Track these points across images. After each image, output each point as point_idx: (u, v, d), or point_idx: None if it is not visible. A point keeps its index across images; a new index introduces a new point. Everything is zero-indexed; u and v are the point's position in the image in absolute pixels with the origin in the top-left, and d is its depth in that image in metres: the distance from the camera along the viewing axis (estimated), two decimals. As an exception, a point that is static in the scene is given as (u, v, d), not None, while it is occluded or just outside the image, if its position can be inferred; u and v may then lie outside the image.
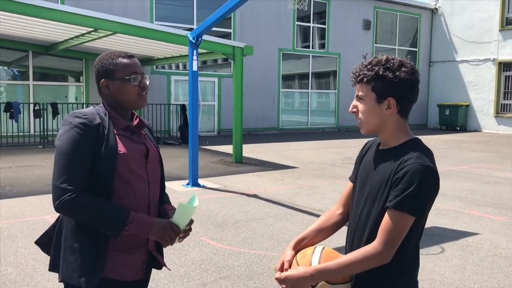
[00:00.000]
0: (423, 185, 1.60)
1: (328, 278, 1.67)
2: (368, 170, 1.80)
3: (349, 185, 1.96)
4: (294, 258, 1.80)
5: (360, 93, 1.75)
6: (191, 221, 1.97)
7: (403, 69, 1.68)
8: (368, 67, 1.72)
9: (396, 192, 1.61)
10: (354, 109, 1.79)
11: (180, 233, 1.93)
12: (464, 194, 7.66)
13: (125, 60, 1.95)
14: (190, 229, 1.97)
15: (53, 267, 1.95)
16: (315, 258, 1.73)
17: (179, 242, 1.97)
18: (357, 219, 1.79)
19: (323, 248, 1.79)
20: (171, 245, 1.93)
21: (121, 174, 1.86)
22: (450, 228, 5.76)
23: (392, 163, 1.69)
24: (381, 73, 1.69)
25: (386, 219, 1.63)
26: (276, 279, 1.72)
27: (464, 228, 5.77)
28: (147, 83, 2.00)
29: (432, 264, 4.53)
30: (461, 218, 6.25)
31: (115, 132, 1.90)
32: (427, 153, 1.68)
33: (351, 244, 1.82)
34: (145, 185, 1.95)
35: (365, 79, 1.72)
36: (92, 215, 1.79)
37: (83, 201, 1.77)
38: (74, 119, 1.84)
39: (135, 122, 2.05)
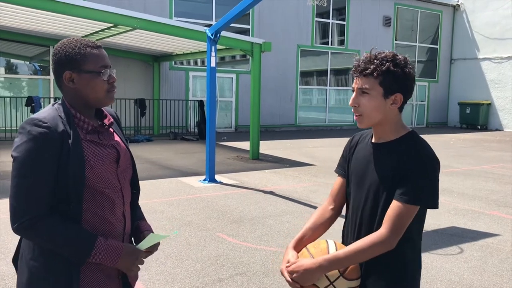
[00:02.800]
0: (432, 176, 1.68)
1: (337, 267, 1.71)
2: (366, 165, 1.81)
3: (338, 179, 1.98)
4: (306, 251, 1.82)
5: (366, 86, 1.73)
6: (156, 246, 1.80)
7: (408, 65, 1.73)
8: (377, 61, 1.71)
9: (407, 185, 1.66)
10: (355, 104, 1.77)
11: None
12: (484, 194, 7.54)
13: (94, 51, 1.68)
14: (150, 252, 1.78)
15: None
16: (331, 249, 1.77)
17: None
18: (361, 212, 1.81)
19: (333, 241, 1.83)
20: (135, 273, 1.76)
21: (92, 185, 1.64)
22: (469, 228, 5.67)
23: (396, 157, 1.72)
24: (392, 68, 1.70)
25: (394, 208, 1.67)
26: (288, 271, 1.75)
27: (484, 229, 5.68)
28: (115, 76, 1.75)
29: (450, 264, 4.47)
30: (481, 218, 6.15)
31: (81, 138, 1.65)
32: (427, 144, 1.75)
33: (357, 235, 1.83)
34: (118, 193, 1.74)
35: (375, 73, 1.71)
36: (53, 241, 1.59)
37: (44, 224, 1.56)
38: (33, 127, 1.57)
39: (105, 121, 1.79)
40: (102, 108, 1.81)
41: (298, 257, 1.82)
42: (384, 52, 1.74)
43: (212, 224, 5.62)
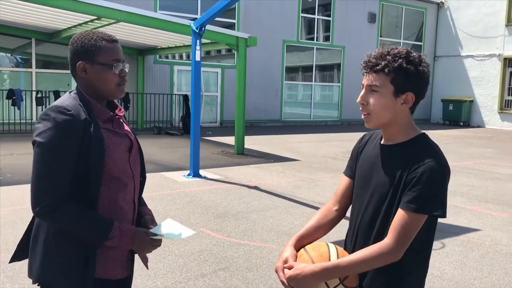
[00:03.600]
0: (441, 184, 1.58)
1: (337, 276, 1.63)
2: (372, 167, 1.72)
3: (344, 179, 1.89)
4: (306, 253, 1.72)
5: (375, 83, 1.63)
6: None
7: (423, 64, 1.63)
8: (389, 57, 1.61)
9: (415, 193, 1.55)
10: (364, 102, 1.67)
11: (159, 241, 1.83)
12: (466, 190, 7.63)
13: (109, 44, 1.76)
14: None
15: (31, 274, 1.78)
16: (333, 254, 1.68)
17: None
18: (361, 217, 1.74)
19: (335, 246, 1.74)
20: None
21: (109, 171, 1.72)
22: (451, 223, 5.74)
23: (403, 160, 1.62)
24: (405, 65, 1.60)
25: (400, 218, 1.57)
26: (286, 277, 1.65)
27: (465, 224, 5.75)
28: (127, 71, 1.83)
29: (432, 259, 4.49)
30: (463, 214, 6.22)
31: (100, 127, 1.73)
32: (438, 149, 1.64)
33: (355, 241, 1.77)
34: (130, 180, 1.83)
35: (386, 69, 1.60)
36: (73, 225, 1.65)
37: (64, 210, 1.63)
38: (57, 115, 1.63)
39: (117, 111, 1.87)
40: (119, 105, 1.91)
41: (296, 258, 1.73)
42: (397, 48, 1.64)
43: (196, 219, 5.59)
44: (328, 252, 1.69)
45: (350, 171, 1.86)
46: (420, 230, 1.60)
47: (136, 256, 1.94)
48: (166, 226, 1.86)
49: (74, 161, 1.64)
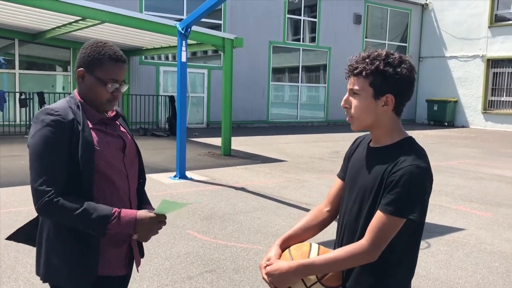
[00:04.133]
0: (420, 188, 1.58)
1: (313, 273, 1.65)
2: (359, 169, 1.74)
3: (337, 182, 1.90)
4: (288, 253, 1.75)
5: (355, 87, 1.65)
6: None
7: (403, 65, 1.62)
8: (367, 60, 1.62)
9: (393, 196, 1.56)
10: (347, 105, 1.70)
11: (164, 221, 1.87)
12: (450, 190, 7.71)
13: (112, 63, 1.84)
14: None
15: (38, 272, 1.87)
16: (313, 254, 1.70)
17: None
18: (347, 218, 1.75)
19: (318, 245, 1.76)
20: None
21: (101, 170, 1.80)
22: (436, 223, 5.78)
23: (385, 163, 1.62)
24: (381, 68, 1.60)
25: (378, 219, 1.58)
26: (266, 272, 1.69)
27: (450, 224, 5.80)
28: (123, 91, 1.91)
29: (418, 259, 4.53)
30: (448, 213, 6.28)
31: (90, 127, 1.82)
32: (422, 154, 1.64)
33: (341, 242, 1.78)
34: (124, 180, 1.90)
35: (363, 73, 1.62)
36: (72, 216, 1.72)
37: (63, 202, 1.71)
38: (46, 116, 1.75)
39: (110, 114, 1.97)
40: (116, 108, 2.00)
41: (280, 257, 1.76)
42: (378, 51, 1.65)
43: (182, 221, 5.56)
44: (308, 251, 1.72)
45: (343, 174, 1.88)
46: (402, 233, 1.60)
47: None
48: (165, 206, 1.84)
49: (66, 157, 1.74)
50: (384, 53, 1.63)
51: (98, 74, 1.83)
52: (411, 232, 1.65)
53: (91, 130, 1.81)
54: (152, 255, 4.43)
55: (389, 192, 1.58)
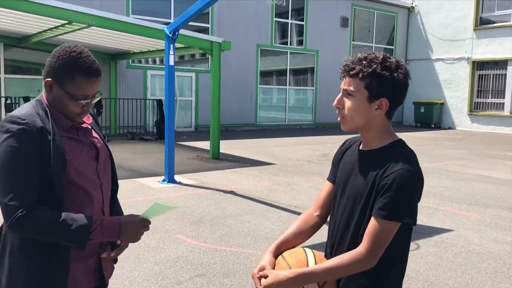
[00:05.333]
0: (412, 191, 1.58)
1: (312, 282, 1.63)
2: (349, 172, 1.73)
3: (327, 185, 1.89)
4: (283, 260, 1.71)
5: (350, 88, 1.64)
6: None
7: (400, 70, 1.62)
8: (365, 62, 1.61)
9: (385, 200, 1.56)
10: (339, 105, 1.68)
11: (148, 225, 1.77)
12: (438, 191, 7.76)
13: (85, 79, 1.67)
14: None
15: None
16: (311, 261, 1.68)
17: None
18: (338, 222, 1.74)
19: (312, 250, 1.74)
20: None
21: (73, 181, 1.67)
22: (425, 224, 5.82)
23: (376, 167, 1.62)
24: (378, 71, 1.59)
25: (373, 225, 1.58)
26: (263, 284, 1.62)
27: (438, 225, 5.84)
28: (93, 103, 1.75)
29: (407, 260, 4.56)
30: (436, 214, 6.32)
31: (60, 135, 1.67)
32: (412, 157, 1.64)
33: (333, 247, 1.77)
34: (98, 189, 1.78)
35: (360, 74, 1.61)
36: (50, 229, 1.60)
37: (38, 215, 1.58)
38: (11, 125, 1.59)
39: (85, 119, 1.83)
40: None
41: (274, 265, 1.72)
42: (375, 53, 1.64)
43: (171, 225, 5.53)
44: (306, 259, 1.68)
45: (332, 177, 1.86)
46: (395, 236, 1.60)
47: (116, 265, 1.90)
48: (153, 209, 1.77)
49: (36, 169, 1.60)
50: (382, 56, 1.63)
51: (68, 89, 1.67)
52: (403, 235, 1.65)
53: (62, 139, 1.67)
54: (141, 260, 4.39)
55: (381, 196, 1.57)
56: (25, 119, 1.61)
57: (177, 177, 8.19)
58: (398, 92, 1.64)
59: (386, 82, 1.60)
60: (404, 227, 1.62)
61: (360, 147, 1.75)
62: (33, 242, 1.64)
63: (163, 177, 8.16)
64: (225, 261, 4.43)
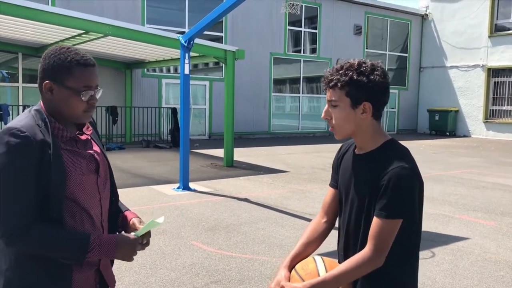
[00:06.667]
0: (409, 188, 1.63)
1: None
2: (349, 177, 1.79)
3: (330, 191, 1.94)
4: (296, 274, 1.75)
5: (333, 99, 1.71)
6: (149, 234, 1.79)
7: (376, 72, 1.67)
8: (341, 71, 1.68)
9: (384, 200, 1.61)
10: (328, 117, 1.75)
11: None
12: (454, 199, 7.71)
13: (83, 69, 1.63)
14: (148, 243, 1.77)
15: None
16: (321, 269, 1.71)
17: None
18: (347, 227, 1.79)
19: (321, 257, 1.78)
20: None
21: (72, 196, 1.63)
22: (440, 232, 5.78)
23: (373, 169, 1.67)
24: (355, 77, 1.65)
25: (375, 226, 1.63)
26: None
27: (454, 233, 5.80)
28: (98, 97, 1.70)
29: (423, 268, 4.54)
30: (452, 222, 6.28)
31: (60, 147, 1.62)
32: (405, 154, 1.69)
33: (347, 251, 1.80)
34: (97, 203, 1.73)
35: (338, 84, 1.68)
36: (48, 246, 1.57)
37: (34, 232, 1.54)
38: (10, 138, 1.53)
39: (84, 130, 1.76)
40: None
41: (290, 279, 1.76)
42: (350, 61, 1.70)
43: (187, 232, 5.57)
44: (316, 268, 1.72)
45: (334, 182, 1.92)
46: (399, 237, 1.64)
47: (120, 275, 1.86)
48: (147, 226, 1.75)
49: (35, 184, 1.55)
50: (356, 62, 1.69)
51: (69, 84, 1.62)
52: (407, 231, 1.68)
53: (62, 152, 1.61)
54: (158, 266, 4.44)
55: (381, 197, 1.63)
56: (25, 132, 1.54)
57: (191, 185, 8.25)
58: (378, 93, 1.69)
59: (364, 86, 1.66)
60: (409, 224, 1.65)
61: (356, 151, 1.81)
62: (32, 254, 1.61)
63: (178, 185, 8.23)
64: (240, 268, 4.46)
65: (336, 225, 1.95)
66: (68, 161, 1.62)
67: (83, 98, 1.64)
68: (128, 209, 1.95)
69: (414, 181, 1.64)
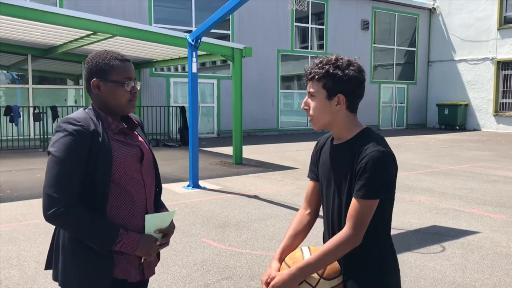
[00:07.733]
0: (384, 169, 1.73)
1: (312, 272, 1.77)
2: (329, 167, 1.89)
3: (310, 183, 2.05)
4: (285, 265, 1.87)
5: (311, 90, 1.85)
6: (171, 229, 1.99)
7: (351, 67, 1.80)
8: (319, 65, 1.82)
9: (362, 181, 1.73)
10: (306, 106, 1.89)
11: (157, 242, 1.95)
12: (464, 193, 7.68)
13: (121, 64, 1.92)
14: (167, 242, 1.97)
15: (56, 278, 1.92)
16: (306, 255, 1.83)
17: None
18: (331, 214, 1.89)
19: (308, 246, 1.89)
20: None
21: (118, 180, 1.85)
22: (450, 227, 5.77)
23: (351, 155, 1.79)
24: (331, 71, 1.79)
25: (353, 206, 1.74)
26: (272, 285, 1.79)
27: (464, 227, 5.79)
28: (139, 88, 1.98)
29: (433, 263, 4.55)
30: (462, 216, 6.26)
31: (109, 138, 1.87)
32: (381, 140, 1.80)
33: (332, 234, 1.89)
34: (141, 189, 1.94)
35: (316, 77, 1.82)
36: (81, 230, 1.77)
37: (73, 214, 1.74)
38: (68, 125, 1.79)
39: (128, 124, 2.03)
40: (133, 117, 2.07)
41: (280, 270, 1.87)
42: (329, 57, 1.84)
43: (197, 229, 5.62)
44: (302, 256, 1.84)
45: (313, 175, 2.03)
46: (376, 213, 1.75)
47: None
48: (152, 223, 1.92)
49: (83, 168, 1.77)
50: (334, 58, 1.83)
51: (113, 78, 1.89)
52: (386, 210, 1.82)
53: (111, 141, 1.85)
54: (169, 263, 4.49)
55: (358, 179, 1.75)
56: (80, 122, 1.80)
57: (201, 183, 8.30)
58: (352, 87, 1.82)
59: (339, 79, 1.80)
60: (381, 204, 1.76)
61: (334, 142, 1.91)
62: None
63: (187, 183, 8.28)
64: (251, 264, 4.49)
65: (321, 214, 2.05)
66: (115, 148, 1.85)
67: (126, 88, 1.90)
68: (164, 207, 2.13)
69: (389, 162, 1.75)
